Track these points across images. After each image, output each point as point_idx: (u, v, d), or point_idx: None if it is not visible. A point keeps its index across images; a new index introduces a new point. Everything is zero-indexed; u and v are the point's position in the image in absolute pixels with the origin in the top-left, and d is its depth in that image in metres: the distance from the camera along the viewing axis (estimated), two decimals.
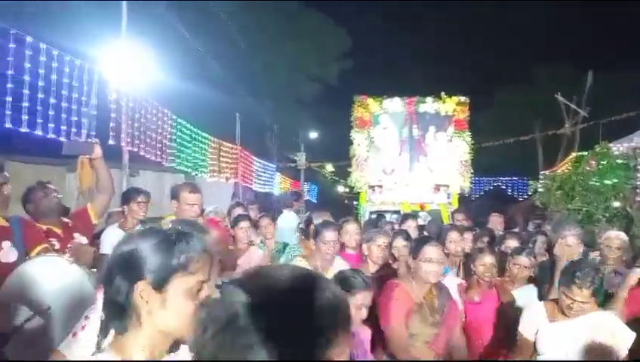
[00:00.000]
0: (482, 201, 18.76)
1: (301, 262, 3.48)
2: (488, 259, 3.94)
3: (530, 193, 12.70)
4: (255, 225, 4.97)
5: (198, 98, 14.26)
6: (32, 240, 2.99)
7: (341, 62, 24.25)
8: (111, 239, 4.31)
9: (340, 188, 30.41)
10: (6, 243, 2.88)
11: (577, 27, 23.61)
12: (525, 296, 3.83)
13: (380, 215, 8.48)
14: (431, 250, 3.14)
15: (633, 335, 2.83)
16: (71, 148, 3.61)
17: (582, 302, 2.80)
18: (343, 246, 4.04)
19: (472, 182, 10.75)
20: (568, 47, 23.04)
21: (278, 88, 21.61)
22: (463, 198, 11.04)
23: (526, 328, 3.09)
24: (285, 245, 4.79)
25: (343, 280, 2.83)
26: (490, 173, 20.62)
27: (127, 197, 4.43)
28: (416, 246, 3.25)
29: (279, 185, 20.80)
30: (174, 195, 3.73)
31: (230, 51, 17.24)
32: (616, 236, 4.22)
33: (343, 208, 24.09)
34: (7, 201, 2.98)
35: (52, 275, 2.71)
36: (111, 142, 8.22)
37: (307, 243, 4.79)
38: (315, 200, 28.56)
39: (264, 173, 18.25)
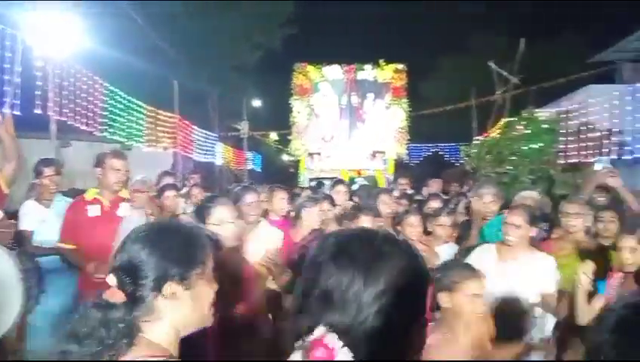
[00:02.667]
0: (421, 167, 19.35)
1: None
2: (413, 220, 4.14)
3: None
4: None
5: (132, 65, 13.71)
6: None
7: (285, 29, 23.79)
8: (28, 213, 4.20)
9: (285, 157, 30.36)
10: None
11: None
12: (446, 252, 4.06)
13: (320, 182, 8.59)
14: (363, 219, 3.30)
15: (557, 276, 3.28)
16: None
17: (516, 226, 3.23)
18: (267, 213, 4.08)
19: (407, 149, 11.02)
20: (503, 17, 23.66)
21: (218, 55, 21.02)
22: (401, 164, 11.31)
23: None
24: None
25: None
26: (430, 140, 21.18)
27: (38, 170, 4.27)
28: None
29: (221, 154, 20.53)
30: (98, 163, 3.65)
31: (166, 16, 16.58)
32: (529, 196, 4.51)
33: (288, 176, 24.17)
34: None
35: None
36: (37, 111, 7.92)
37: None
38: (259, 170, 28.43)
39: (205, 142, 17.94)
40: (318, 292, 1.00)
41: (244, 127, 22.56)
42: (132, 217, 3.58)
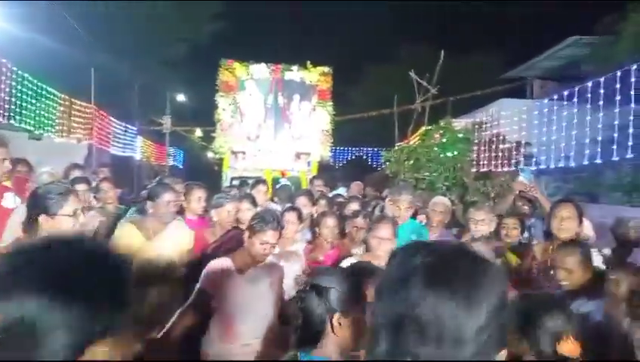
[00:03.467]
0: (344, 170, 19.72)
1: (128, 226, 3.39)
2: (330, 222, 4.20)
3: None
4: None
5: (45, 49, 12.87)
6: None
7: (212, 24, 23.31)
8: None
9: (210, 154, 29.65)
10: None
11: (436, 10, 25.36)
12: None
13: (243, 181, 8.48)
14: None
15: None
16: None
17: (272, 244, 2.98)
18: (183, 210, 3.99)
19: (331, 151, 11.14)
20: (426, 30, 24.73)
21: (142, 45, 20.22)
22: (326, 166, 11.40)
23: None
24: (127, 210, 4.60)
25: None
26: (355, 144, 21.64)
27: None
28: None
29: (141, 148, 19.75)
30: None
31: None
32: (441, 202, 4.73)
33: (212, 174, 23.67)
34: None
35: None
36: None
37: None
38: (181, 166, 27.65)
39: (124, 135, 17.17)
40: (407, 321, 0.86)
41: (166, 122, 21.86)
42: (21, 210, 3.29)
